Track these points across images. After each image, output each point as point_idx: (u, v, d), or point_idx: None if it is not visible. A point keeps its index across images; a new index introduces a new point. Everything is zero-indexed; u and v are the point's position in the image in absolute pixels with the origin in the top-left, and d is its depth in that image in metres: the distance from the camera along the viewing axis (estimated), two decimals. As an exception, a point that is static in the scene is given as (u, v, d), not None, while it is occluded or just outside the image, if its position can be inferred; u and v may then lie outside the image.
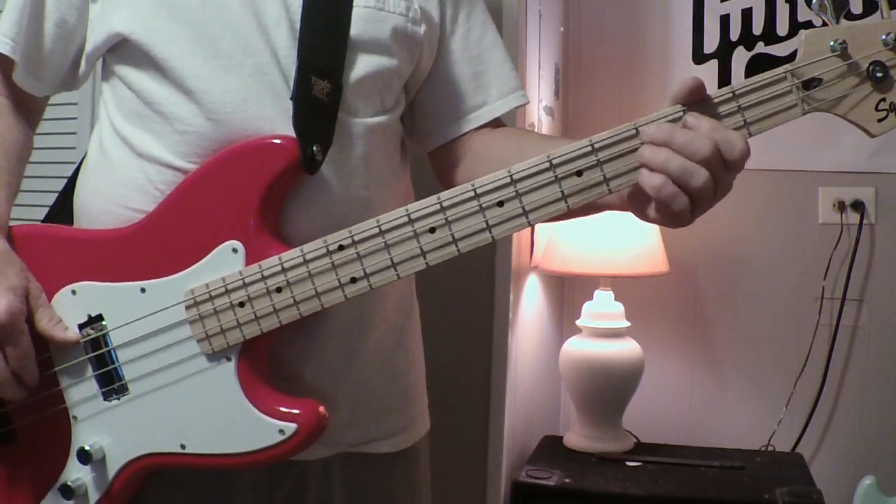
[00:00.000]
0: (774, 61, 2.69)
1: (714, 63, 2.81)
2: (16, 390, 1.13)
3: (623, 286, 2.65)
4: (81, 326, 1.17)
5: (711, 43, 2.82)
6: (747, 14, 2.78)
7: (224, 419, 1.12)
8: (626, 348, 2.54)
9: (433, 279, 1.22)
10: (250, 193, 1.13)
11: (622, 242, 2.49)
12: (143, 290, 1.15)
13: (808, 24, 2.67)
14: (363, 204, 1.20)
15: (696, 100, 1.03)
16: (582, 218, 1.19)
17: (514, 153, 1.21)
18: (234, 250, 1.13)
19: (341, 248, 1.09)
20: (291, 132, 1.14)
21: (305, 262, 1.10)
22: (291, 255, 1.10)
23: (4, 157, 1.22)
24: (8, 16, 1.24)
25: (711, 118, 1.01)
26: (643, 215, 1.07)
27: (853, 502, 2.35)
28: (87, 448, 1.15)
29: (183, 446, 1.14)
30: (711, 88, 1.01)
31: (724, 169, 1.01)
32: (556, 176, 1.04)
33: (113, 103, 1.24)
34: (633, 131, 1.03)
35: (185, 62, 1.17)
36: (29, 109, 1.31)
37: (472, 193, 1.06)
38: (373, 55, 1.22)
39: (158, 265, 1.15)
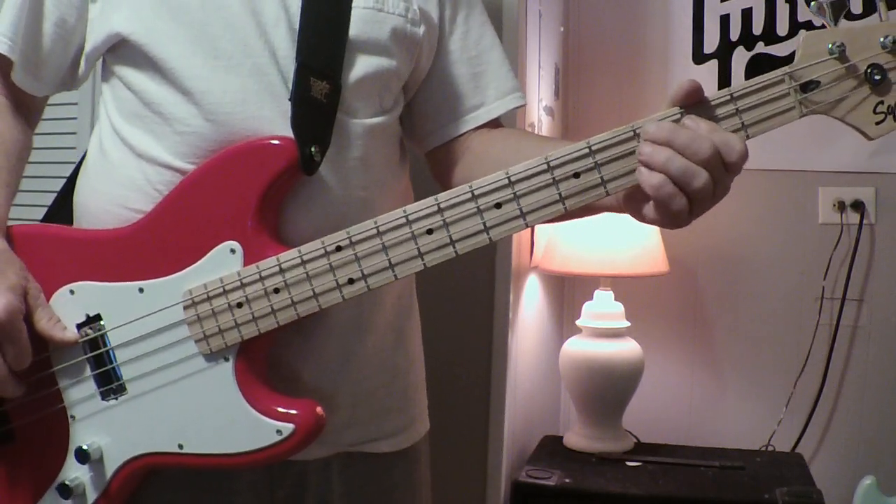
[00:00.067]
0: (774, 61, 2.71)
1: (714, 63, 2.81)
2: (14, 389, 1.13)
3: (623, 286, 2.64)
4: (80, 326, 1.17)
5: (711, 43, 2.82)
6: (747, 14, 2.78)
7: (222, 419, 1.13)
8: (626, 348, 2.54)
9: (433, 279, 1.22)
10: (249, 194, 1.13)
11: (622, 242, 2.49)
12: (141, 290, 1.16)
13: (808, 24, 2.67)
14: (362, 204, 1.20)
15: (694, 102, 1.02)
16: (581, 218, 1.19)
17: (512, 154, 1.21)
18: (233, 251, 1.13)
19: (339, 249, 1.09)
20: (290, 133, 1.14)
21: (303, 262, 1.10)
22: (289, 255, 1.10)
23: (4, 156, 1.22)
24: (7, 16, 1.24)
25: (709, 120, 1.01)
26: (640, 216, 1.07)
27: (853, 502, 2.35)
28: (85, 447, 1.15)
29: (181, 446, 1.14)
30: (711, 88, 1.01)
31: (723, 171, 1.01)
32: (553, 178, 1.04)
33: (112, 103, 1.24)
34: (631, 133, 1.03)
35: (185, 62, 1.17)
36: (28, 109, 1.31)
37: (469, 195, 1.06)
38: (372, 56, 1.22)
39: (157, 265, 1.15)
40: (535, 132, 2.40)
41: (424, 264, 1.08)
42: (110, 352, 1.16)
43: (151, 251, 1.16)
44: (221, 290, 1.12)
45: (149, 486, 1.19)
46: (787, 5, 2.74)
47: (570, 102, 2.94)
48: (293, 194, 1.16)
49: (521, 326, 2.41)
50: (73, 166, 1.34)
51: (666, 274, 2.58)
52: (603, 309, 2.58)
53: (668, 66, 2.86)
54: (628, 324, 2.57)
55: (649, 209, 1.04)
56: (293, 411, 1.12)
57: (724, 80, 2.78)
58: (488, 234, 1.06)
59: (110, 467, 1.17)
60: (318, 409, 1.13)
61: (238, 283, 1.12)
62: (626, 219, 1.11)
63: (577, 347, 2.56)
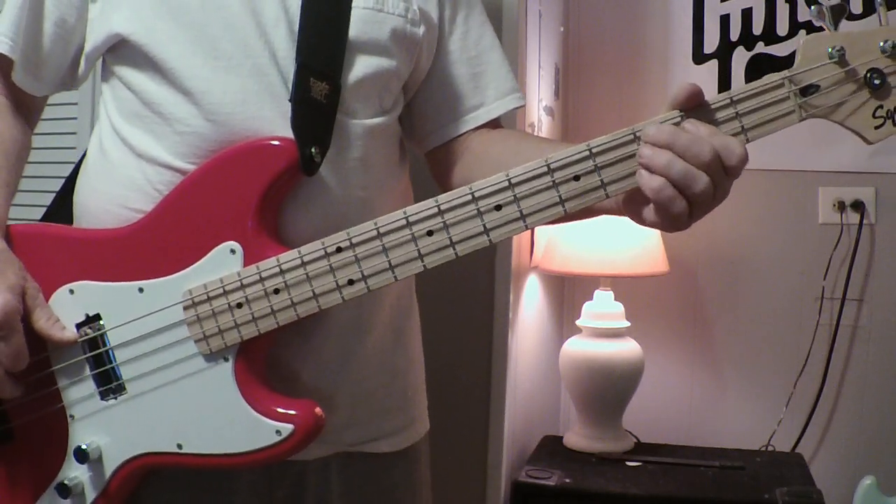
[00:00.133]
0: (774, 61, 2.71)
1: (714, 63, 2.81)
2: (11, 388, 1.13)
3: (623, 286, 2.65)
4: (79, 326, 1.17)
5: (711, 43, 2.82)
6: (747, 14, 2.78)
7: (221, 419, 1.13)
8: (626, 348, 2.54)
9: (433, 279, 1.22)
10: (249, 194, 1.13)
11: (622, 242, 2.49)
12: (141, 290, 1.15)
13: (808, 24, 2.67)
14: (362, 205, 1.20)
15: (694, 105, 1.02)
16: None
17: (512, 155, 1.21)
18: (233, 251, 1.13)
19: (339, 250, 1.09)
20: (290, 134, 1.14)
21: (303, 263, 1.10)
22: (289, 256, 1.10)
23: (3, 156, 1.22)
24: (7, 15, 1.24)
25: (709, 124, 1.01)
26: (640, 219, 1.07)
27: (853, 502, 2.35)
28: (84, 447, 1.15)
29: (180, 446, 1.14)
30: (711, 88, 1.02)
31: (723, 174, 1.01)
32: (553, 180, 1.04)
33: (112, 103, 1.24)
34: (632, 136, 1.03)
35: (185, 63, 1.17)
36: (28, 109, 1.31)
37: (469, 197, 1.06)
38: (372, 56, 1.22)
39: (157, 265, 1.15)
40: (535, 132, 2.40)
41: (424, 266, 1.08)
42: (110, 351, 1.16)
43: (151, 251, 1.16)
44: (221, 290, 1.12)
45: (148, 486, 1.19)
46: (787, 5, 2.74)
47: (570, 102, 2.94)
48: (293, 195, 1.16)
49: (521, 326, 2.41)
50: (72, 166, 1.34)
51: (666, 274, 2.58)
52: (603, 309, 2.58)
53: (668, 66, 2.86)
54: (628, 324, 2.57)
55: (649, 212, 1.04)
56: (292, 412, 1.12)
57: (724, 80, 2.78)
58: (488, 236, 1.06)
59: (109, 467, 1.16)
60: (318, 409, 1.13)
61: (238, 284, 1.12)
62: (626, 219, 1.11)
63: (577, 347, 2.57)
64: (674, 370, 2.90)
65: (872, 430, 2.75)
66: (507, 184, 1.05)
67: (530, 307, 2.55)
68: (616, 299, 2.60)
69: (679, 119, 1.02)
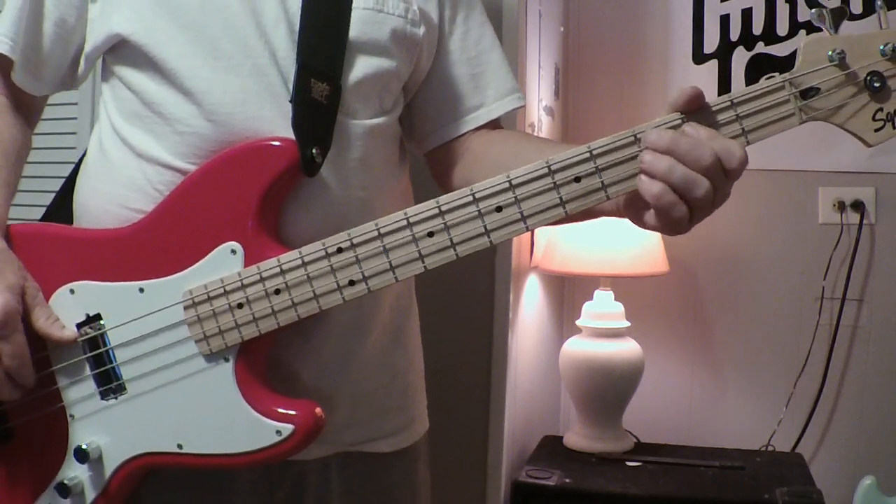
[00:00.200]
0: (774, 61, 2.71)
1: (714, 63, 2.81)
2: (11, 389, 1.13)
3: (623, 286, 2.64)
4: (79, 325, 1.17)
5: (711, 43, 2.82)
6: (747, 14, 2.78)
7: (221, 420, 1.13)
8: (626, 348, 2.54)
9: (433, 280, 1.22)
10: (249, 195, 1.13)
11: (622, 242, 2.49)
12: (141, 290, 1.16)
13: (808, 24, 2.67)
14: (362, 205, 1.20)
15: (694, 108, 1.03)
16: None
17: (512, 155, 1.21)
18: (233, 251, 1.13)
19: (340, 250, 1.09)
20: (290, 134, 1.14)
21: (304, 264, 1.10)
22: (290, 257, 1.11)
23: (3, 156, 1.22)
24: (7, 15, 1.24)
25: (709, 127, 1.02)
26: (640, 222, 1.07)
27: (853, 502, 2.35)
28: (84, 447, 1.15)
29: (180, 446, 1.14)
30: (711, 88, 1.02)
31: (723, 177, 1.01)
32: (554, 182, 1.04)
33: (113, 103, 1.24)
34: (632, 138, 1.03)
35: (185, 63, 1.17)
36: (28, 109, 1.31)
37: (470, 198, 1.06)
38: (372, 57, 1.22)
39: (157, 265, 1.15)
40: (535, 132, 2.40)
41: (425, 267, 1.08)
42: (110, 351, 1.17)
43: (152, 251, 1.16)
44: (222, 290, 1.12)
45: (148, 486, 1.19)
46: (787, 5, 2.74)
47: (570, 102, 2.93)
48: (293, 195, 1.16)
49: (521, 326, 2.41)
50: (72, 166, 1.34)
51: (666, 274, 2.58)
52: (603, 309, 2.58)
53: (668, 66, 2.86)
54: (628, 324, 2.57)
55: (650, 216, 1.05)
56: (293, 412, 1.12)
57: (724, 80, 2.78)
58: (489, 237, 1.06)
59: (109, 467, 1.17)
60: (318, 409, 1.13)
61: (239, 284, 1.12)
62: (626, 219, 1.11)
63: (577, 347, 2.56)
64: (674, 370, 2.90)
65: (872, 430, 2.75)
66: (507, 185, 1.05)
67: (530, 307, 2.55)
68: (616, 299, 2.60)
69: (679, 122, 1.02)
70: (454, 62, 1.34)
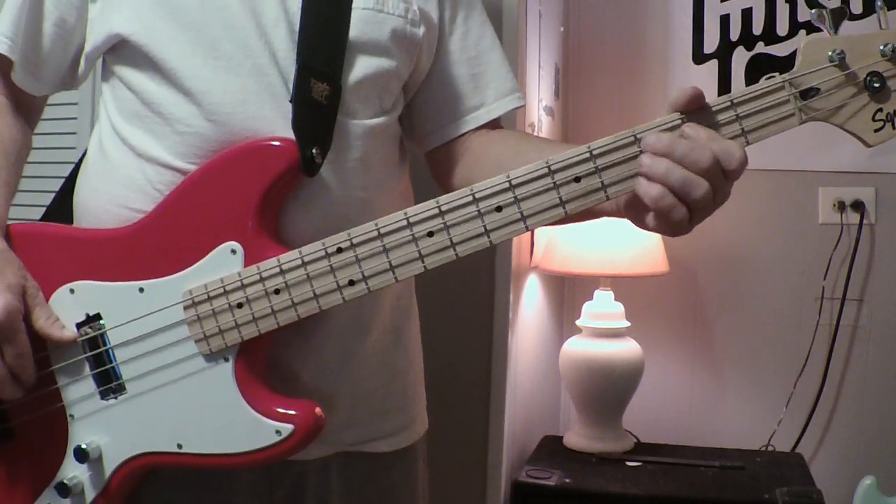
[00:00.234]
0: (774, 61, 2.71)
1: (714, 63, 2.81)
2: (13, 389, 1.13)
3: (623, 286, 2.65)
4: (79, 325, 1.17)
5: (711, 43, 2.82)
6: (747, 14, 2.78)
7: (221, 419, 1.13)
8: (626, 348, 2.54)
9: (433, 280, 1.22)
10: (250, 195, 1.13)
11: (622, 242, 2.49)
12: (141, 289, 1.16)
13: (808, 24, 2.67)
14: (362, 205, 1.21)
15: (694, 109, 1.03)
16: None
17: (512, 155, 1.21)
18: (233, 251, 1.13)
19: (339, 250, 1.09)
20: (290, 134, 1.14)
21: (304, 264, 1.10)
22: (290, 256, 1.11)
23: (3, 156, 1.22)
24: (7, 15, 1.24)
25: (709, 128, 1.02)
26: (641, 223, 1.07)
27: (853, 502, 2.35)
28: (83, 446, 1.15)
29: (180, 446, 1.14)
30: (711, 88, 1.02)
31: (722, 179, 1.01)
32: (554, 182, 1.04)
33: (113, 103, 1.24)
34: (632, 138, 1.03)
35: (185, 63, 1.17)
36: (28, 109, 1.32)
37: (470, 198, 1.06)
38: (372, 57, 1.22)
39: (157, 265, 1.15)
40: (535, 132, 2.40)
41: (425, 267, 1.08)
42: (110, 351, 1.17)
43: (152, 251, 1.16)
44: (222, 290, 1.12)
45: (148, 486, 1.19)
46: (787, 5, 2.74)
47: (570, 102, 2.93)
48: (293, 195, 1.16)
49: (521, 326, 2.41)
50: (72, 166, 1.34)
51: (666, 274, 2.58)
52: (603, 309, 2.58)
53: (668, 66, 2.86)
54: (628, 324, 2.57)
55: (650, 218, 1.05)
56: (292, 412, 1.12)
57: (724, 80, 2.78)
58: (489, 237, 1.06)
59: (109, 466, 1.17)
60: (318, 409, 1.13)
61: (238, 284, 1.12)
62: (626, 220, 1.11)
63: (577, 347, 2.56)
64: (674, 370, 2.90)
65: (872, 430, 2.75)
66: (507, 185, 1.05)
67: (530, 307, 2.55)
68: (616, 299, 2.60)
69: (679, 122, 1.03)
70: (454, 62, 1.34)
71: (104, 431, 1.17)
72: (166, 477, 1.19)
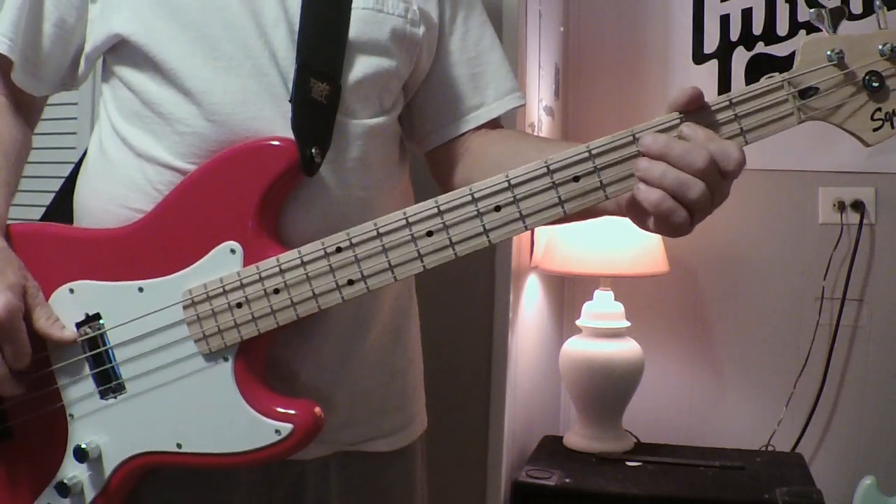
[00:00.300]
0: (774, 61, 2.71)
1: (714, 63, 2.81)
2: (12, 388, 1.13)
3: (623, 286, 2.65)
4: (79, 325, 1.17)
5: (711, 43, 2.82)
6: (747, 14, 2.78)
7: (221, 419, 1.13)
8: (626, 348, 2.54)
9: (433, 280, 1.22)
10: (249, 195, 1.13)
11: (622, 242, 2.49)
12: (140, 289, 1.16)
13: (808, 24, 2.67)
14: (362, 205, 1.21)
15: (694, 108, 1.03)
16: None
17: (511, 155, 1.22)
18: (233, 251, 1.13)
19: (339, 250, 1.09)
20: (290, 134, 1.14)
21: (303, 263, 1.10)
22: (289, 256, 1.11)
23: (3, 156, 1.22)
24: (7, 16, 1.24)
25: (707, 128, 1.02)
26: (643, 225, 1.07)
27: (853, 502, 2.35)
28: (83, 446, 1.15)
29: (179, 445, 1.15)
30: (711, 88, 1.02)
31: (720, 179, 1.01)
32: (553, 181, 1.04)
33: (113, 104, 1.24)
34: (630, 138, 1.03)
35: (185, 63, 1.17)
36: (28, 109, 1.32)
37: (469, 198, 1.06)
38: (372, 57, 1.22)
39: (157, 265, 1.16)
40: (535, 132, 2.40)
41: (424, 266, 1.08)
42: (109, 351, 1.17)
43: (151, 251, 1.16)
44: (221, 290, 1.12)
45: (147, 485, 1.19)
46: (787, 5, 2.74)
47: (570, 102, 2.94)
48: (293, 195, 1.16)
49: (521, 326, 2.41)
50: (72, 166, 1.34)
51: (666, 274, 2.58)
52: (603, 309, 2.58)
53: (668, 66, 2.86)
54: (628, 324, 2.57)
55: (651, 221, 1.05)
56: (292, 411, 1.12)
57: (724, 80, 2.78)
58: (488, 236, 1.06)
59: (109, 466, 1.17)
60: (317, 409, 1.13)
61: (238, 284, 1.12)
62: (626, 219, 1.11)
63: (577, 347, 2.56)
64: (674, 370, 2.90)
65: (872, 430, 2.75)
66: (506, 185, 1.05)
67: (530, 307, 2.55)
68: (616, 299, 2.60)
69: (678, 121, 1.03)
70: (454, 62, 1.34)
71: (104, 431, 1.17)
72: (166, 476, 1.19)
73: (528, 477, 2.34)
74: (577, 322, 2.61)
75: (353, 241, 1.09)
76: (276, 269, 1.11)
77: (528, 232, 2.48)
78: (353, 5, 1.21)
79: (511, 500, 2.32)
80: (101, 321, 1.17)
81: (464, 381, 2.20)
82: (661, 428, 2.78)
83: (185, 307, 1.14)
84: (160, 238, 1.16)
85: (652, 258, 2.54)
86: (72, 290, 1.18)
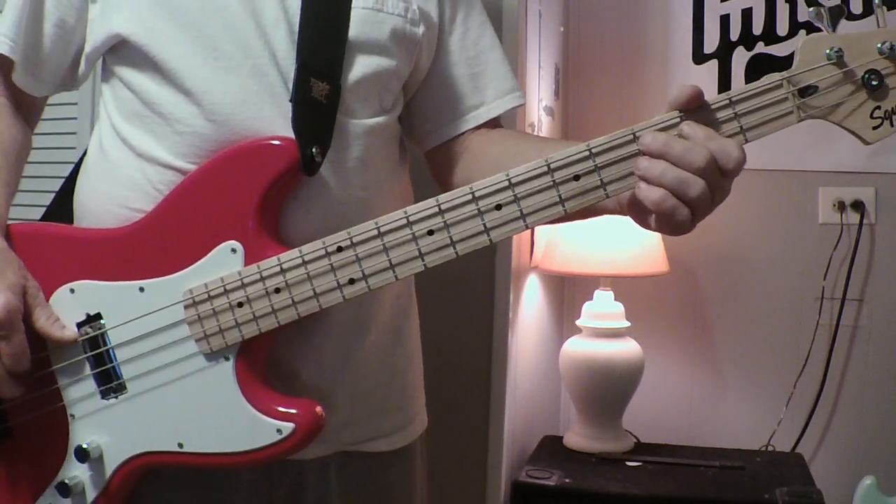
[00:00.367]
0: (774, 61, 2.71)
1: (714, 63, 2.81)
2: (11, 388, 1.13)
3: (623, 286, 2.65)
4: (80, 325, 1.17)
5: (711, 43, 2.82)
6: (747, 14, 2.78)
7: (222, 418, 1.13)
8: (626, 348, 2.54)
9: (433, 279, 1.22)
10: (250, 194, 1.13)
11: (622, 242, 2.49)
12: (141, 289, 1.16)
13: (808, 24, 2.67)
14: (362, 205, 1.21)
15: (694, 107, 1.03)
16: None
17: (511, 155, 1.22)
18: (233, 250, 1.13)
19: (340, 249, 1.09)
20: (290, 134, 1.14)
21: (304, 263, 1.10)
22: (290, 255, 1.11)
23: (3, 156, 1.22)
24: (7, 16, 1.24)
25: (707, 126, 1.02)
26: (644, 223, 1.07)
27: (853, 502, 2.35)
28: (84, 446, 1.15)
29: (180, 445, 1.15)
30: (711, 88, 1.02)
31: (720, 177, 1.01)
32: (553, 180, 1.05)
33: (113, 104, 1.24)
34: (631, 136, 1.03)
35: (185, 63, 1.17)
36: (28, 109, 1.32)
37: (470, 197, 1.06)
38: (371, 56, 1.23)
39: (157, 265, 1.15)
40: (535, 132, 2.40)
41: (425, 265, 1.08)
42: (110, 351, 1.17)
43: (152, 250, 1.16)
44: (222, 289, 1.12)
45: (148, 485, 1.19)
46: (787, 5, 2.74)
47: (570, 102, 2.94)
48: (293, 194, 1.16)
49: (521, 326, 2.41)
50: (72, 166, 1.34)
51: (666, 274, 2.58)
52: (603, 309, 2.58)
53: (668, 66, 2.86)
54: (628, 324, 2.57)
55: (653, 219, 1.05)
56: (293, 411, 1.12)
57: (724, 80, 2.78)
58: (489, 235, 1.06)
59: (110, 466, 1.17)
60: (318, 408, 1.13)
61: (239, 283, 1.12)
62: (626, 219, 1.11)
63: (577, 347, 2.57)
64: (674, 370, 2.90)
65: (872, 430, 2.75)
66: (507, 183, 1.05)
67: (530, 307, 2.55)
68: (616, 299, 2.60)
69: (678, 120, 1.03)
70: (454, 62, 1.34)
71: (105, 431, 1.17)
72: (167, 476, 1.19)
73: (528, 477, 2.34)
74: (577, 322, 2.61)
75: (354, 240, 1.09)
76: (278, 269, 1.11)
77: (528, 232, 2.49)
78: (353, 5, 1.21)
79: (511, 500, 2.32)
80: (102, 321, 1.17)
81: (464, 381, 2.20)
82: (661, 428, 2.78)
83: (185, 307, 1.14)
84: (161, 238, 1.16)
85: (652, 258, 2.54)
86: (72, 290, 1.18)
